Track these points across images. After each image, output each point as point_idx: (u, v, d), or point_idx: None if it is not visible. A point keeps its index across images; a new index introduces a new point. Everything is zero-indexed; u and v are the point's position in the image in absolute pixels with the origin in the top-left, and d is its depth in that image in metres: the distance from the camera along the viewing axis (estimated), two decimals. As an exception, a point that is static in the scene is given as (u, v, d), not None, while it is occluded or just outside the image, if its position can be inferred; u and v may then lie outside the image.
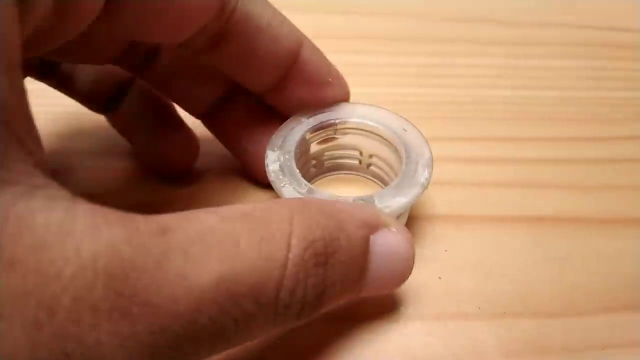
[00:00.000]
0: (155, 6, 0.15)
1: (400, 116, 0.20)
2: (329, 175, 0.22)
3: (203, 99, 0.21)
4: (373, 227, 0.14)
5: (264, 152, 0.19)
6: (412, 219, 0.21)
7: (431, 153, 0.18)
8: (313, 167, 0.22)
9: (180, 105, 0.21)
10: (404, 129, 0.19)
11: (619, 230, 0.21)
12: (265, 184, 0.20)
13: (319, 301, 0.13)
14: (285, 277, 0.12)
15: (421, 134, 0.19)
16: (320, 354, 0.16)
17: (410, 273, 0.15)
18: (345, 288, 0.14)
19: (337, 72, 0.20)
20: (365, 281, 0.14)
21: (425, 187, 0.17)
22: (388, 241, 0.14)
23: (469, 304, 0.18)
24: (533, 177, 0.23)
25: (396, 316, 0.17)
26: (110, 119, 0.22)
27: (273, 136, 0.19)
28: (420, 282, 0.18)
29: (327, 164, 0.22)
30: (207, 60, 0.18)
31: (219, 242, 0.11)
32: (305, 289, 0.12)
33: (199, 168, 0.22)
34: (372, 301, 0.18)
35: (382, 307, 0.18)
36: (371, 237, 0.14)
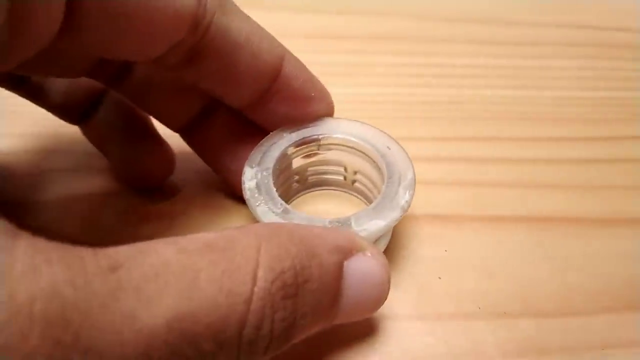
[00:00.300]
0: (120, 24, 0.14)
1: (386, 133, 0.19)
2: (313, 191, 0.22)
3: (181, 114, 0.20)
4: (347, 252, 0.13)
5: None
6: (412, 219, 0.21)
7: (414, 174, 0.18)
8: (296, 183, 0.21)
9: (158, 119, 0.21)
10: (388, 147, 0.19)
11: (619, 230, 0.21)
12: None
13: (288, 334, 0.12)
14: (250, 312, 0.11)
15: (406, 153, 0.19)
16: (319, 354, 0.16)
17: (385, 298, 0.15)
18: (318, 318, 0.13)
19: (321, 86, 0.19)
20: (338, 309, 0.13)
21: (405, 210, 0.17)
22: (362, 266, 0.14)
23: (469, 304, 0.18)
24: (533, 177, 0.23)
25: (396, 316, 0.17)
26: (84, 130, 0.21)
27: (252, 152, 0.18)
28: (420, 282, 0.18)
29: (311, 179, 0.21)
30: (183, 76, 0.18)
31: (175, 277, 0.10)
32: (272, 324, 0.11)
33: (180, 183, 0.22)
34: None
35: (381, 307, 0.18)
36: (345, 262, 0.13)
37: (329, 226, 0.16)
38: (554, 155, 0.24)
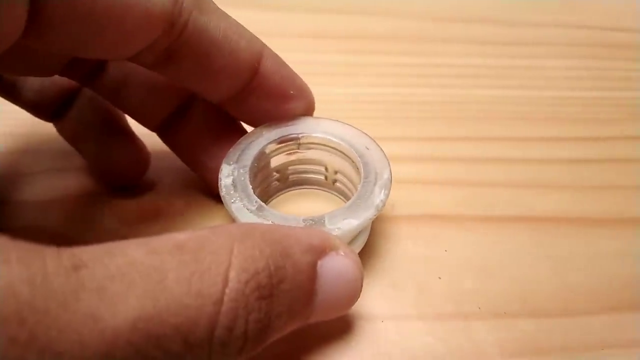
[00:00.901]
0: (89, 24, 0.14)
1: (365, 134, 0.19)
2: (294, 190, 0.22)
3: (157, 112, 0.20)
4: (320, 251, 0.14)
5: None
6: (412, 219, 0.21)
7: (391, 174, 0.18)
8: (276, 181, 0.21)
9: (134, 118, 0.20)
10: (366, 147, 0.19)
11: (619, 230, 0.21)
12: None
13: (263, 335, 0.12)
14: (221, 313, 0.11)
15: (384, 153, 0.19)
16: (319, 354, 0.16)
17: (358, 296, 0.15)
18: (293, 317, 0.13)
19: (302, 84, 0.19)
20: (313, 307, 0.14)
21: (379, 210, 0.17)
22: (336, 265, 0.14)
23: (469, 304, 0.18)
24: (533, 177, 0.23)
25: (396, 316, 0.17)
26: (58, 127, 0.21)
27: (230, 149, 0.19)
28: (420, 282, 0.19)
29: (291, 178, 0.21)
30: (160, 73, 0.18)
31: (142, 277, 0.10)
32: (246, 325, 0.11)
33: (160, 182, 0.22)
34: (370, 301, 0.18)
35: (381, 306, 0.18)
36: (319, 262, 0.13)
37: (303, 224, 0.16)
38: (553, 155, 0.24)
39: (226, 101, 0.19)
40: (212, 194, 0.21)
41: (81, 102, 0.21)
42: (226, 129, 0.20)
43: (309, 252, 0.13)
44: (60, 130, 0.21)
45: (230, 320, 0.11)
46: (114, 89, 0.20)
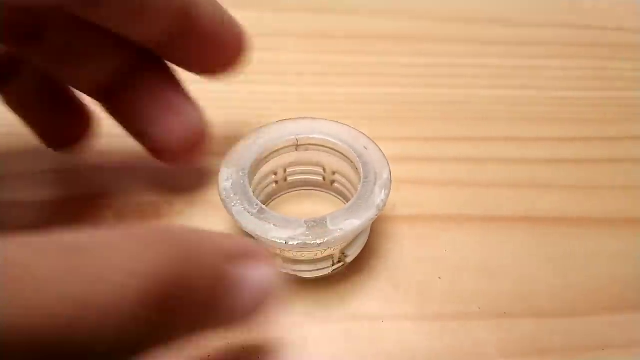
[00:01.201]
0: None
1: (363, 134, 0.19)
2: (292, 192, 0.22)
3: (93, 80, 0.19)
4: (235, 258, 0.13)
5: (164, 131, 0.18)
6: (413, 219, 0.21)
7: (390, 174, 0.18)
8: (274, 183, 0.21)
9: (73, 87, 0.20)
10: (365, 147, 0.19)
11: (619, 230, 0.21)
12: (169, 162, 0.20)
13: (156, 344, 0.11)
14: (108, 324, 0.09)
15: (382, 153, 0.19)
16: (319, 354, 0.16)
17: (271, 307, 0.14)
18: (194, 325, 0.12)
19: (237, 30, 0.19)
20: (220, 316, 0.13)
21: (380, 210, 0.17)
22: (250, 274, 0.13)
23: (469, 304, 0.18)
24: (533, 177, 0.23)
25: (396, 316, 0.17)
26: (4, 97, 0.21)
27: (229, 152, 0.19)
28: (420, 282, 0.19)
29: (290, 179, 0.21)
30: (87, 17, 0.17)
31: (14, 282, 0.09)
32: (138, 333, 0.10)
33: (163, 183, 0.22)
34: (371, 301, 0.18)
35: (381, 306, 0.18)
36: (231, 269, 0.12)
37: (305, 226, 0.16)
38: (554, 155, 0.24)
39: (160, 46, 0.19)
40: (154, 158, 0.20)
41: (26, 70, 0.20)
42: (167, 96, 0.20)
43: (223, 258, 0.12)
44: (5, 99, 0.21)
45: (121, 329, 0.10)
46: (49, 58, 0.19)
